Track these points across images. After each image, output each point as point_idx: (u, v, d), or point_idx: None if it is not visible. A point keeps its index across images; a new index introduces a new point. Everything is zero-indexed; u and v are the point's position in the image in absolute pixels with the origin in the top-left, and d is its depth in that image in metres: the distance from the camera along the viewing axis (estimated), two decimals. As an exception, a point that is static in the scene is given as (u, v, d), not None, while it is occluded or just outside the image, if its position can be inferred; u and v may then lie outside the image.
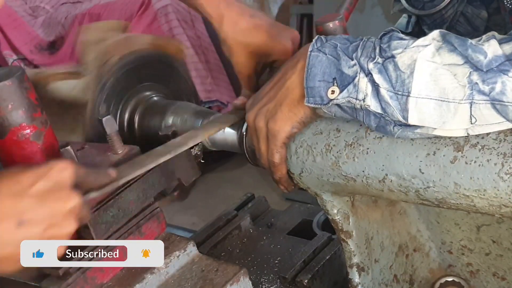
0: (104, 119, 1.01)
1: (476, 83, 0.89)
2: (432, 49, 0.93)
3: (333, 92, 0.99)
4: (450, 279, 1.23)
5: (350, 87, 0.97)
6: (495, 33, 0.92)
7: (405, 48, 0.94)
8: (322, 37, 1.04)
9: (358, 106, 0.98)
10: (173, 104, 1.37)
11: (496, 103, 0.89)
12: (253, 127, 1.12)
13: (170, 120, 1.33)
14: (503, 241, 1.16)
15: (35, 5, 4.35)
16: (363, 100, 0.96)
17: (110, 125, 1.01)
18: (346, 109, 1.00)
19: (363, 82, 0.96)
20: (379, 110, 0.96)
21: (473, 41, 0.92)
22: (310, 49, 1.02)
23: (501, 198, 0.91)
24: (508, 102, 0.88)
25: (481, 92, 0.89)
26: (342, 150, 1.04)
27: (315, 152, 1.07)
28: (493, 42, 0.91)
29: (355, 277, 1.19)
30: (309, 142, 1.08)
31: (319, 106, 1.02)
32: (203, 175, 1.27)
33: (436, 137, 0.95)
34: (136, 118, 1.37)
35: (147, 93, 1.39)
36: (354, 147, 1.03)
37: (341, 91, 0.98)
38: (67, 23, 4.10)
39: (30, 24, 4.19)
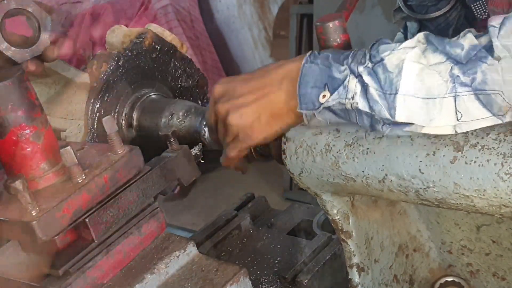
0: (104, 119, 1.01)
1: (458, 76, 0.91)
2: (417, 51, 0.94)
3: (324, 96, 1.01)
4: (450, 279, 1.23)
5: (340, 89, 0.99)
6: (472, 29, 0.94)
7: (393, 50, 0.96)
8: (316, 51, 1.05)
9: (349, 106, 0.99)
10: (172, 103, 1.37)
11: (479, 93, 0.90)
12: (222, 120, 1.13)
13: (169, 119, 1.33)
14: (503, 241, 1.16)
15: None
16: (352, 98, 0.98)
17: (110, 125, 1.01)
18: (339, 112, 1.01)
19: (353, 83, 0.98)
20: (366, 109, 0.97)
21: (452, 39, 0.94)
22: (303, 62, 1.04)
23: (501, 198, 0.91)
24: (490, 91, 0.89)
25: (463, 84, 0.91)
26: (342, 150, 1.04)
27: (315, 152, 1.07)
28: (470, 35, 0.92)
29: (355, 277, 1.19)
30: (309, 142, 1.08)
31: (311, 111, 1.03)
32: (203, 175, 1.27)
33: (436, 137, 0.95)
34: (134, 118, 1.37)
35: (145, 91, 1.39)
36: (353, 147, 1.03)
37: (331, 94, 1.00)
38: (67, 23, 4.09)
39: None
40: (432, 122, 0.93)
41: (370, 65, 0.97)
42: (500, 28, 0.89)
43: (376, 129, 0.98)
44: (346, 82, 0.98)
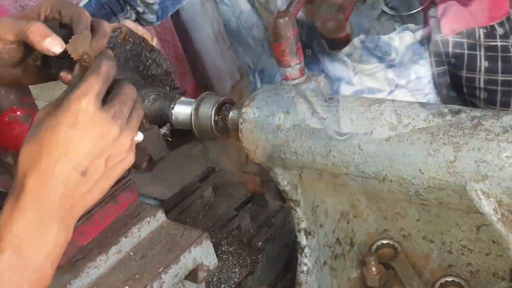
0: None
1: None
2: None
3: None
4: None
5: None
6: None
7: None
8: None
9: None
10: (143, 88, 1.40)
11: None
12: None
13: (141, 103, 1.35)
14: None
15: (24, 3, 4.35)
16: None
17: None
18: None
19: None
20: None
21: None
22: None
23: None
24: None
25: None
26: (291, 130, 1.06)
27: (268, 132, 1.11)
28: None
29: (303, 240, 1.22)
30: (262, 122, 1.11)
31: None
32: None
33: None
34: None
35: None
36: (301, 127, 1.06)
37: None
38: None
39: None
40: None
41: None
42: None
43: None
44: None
